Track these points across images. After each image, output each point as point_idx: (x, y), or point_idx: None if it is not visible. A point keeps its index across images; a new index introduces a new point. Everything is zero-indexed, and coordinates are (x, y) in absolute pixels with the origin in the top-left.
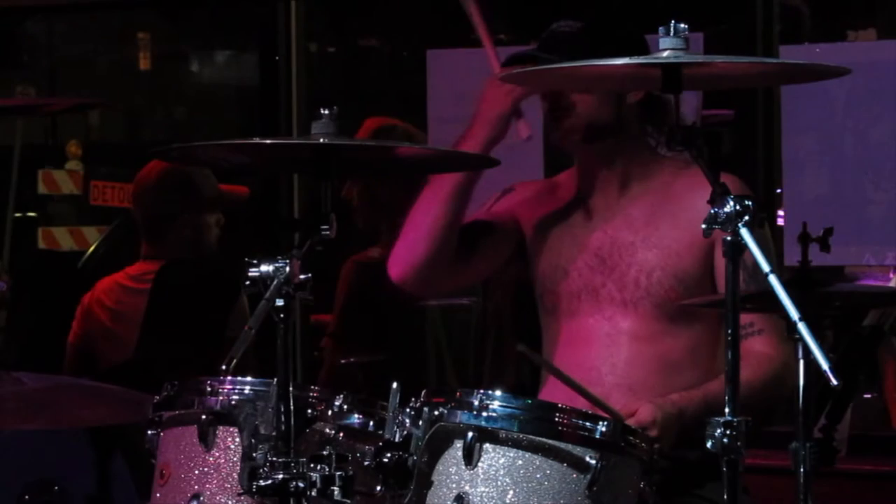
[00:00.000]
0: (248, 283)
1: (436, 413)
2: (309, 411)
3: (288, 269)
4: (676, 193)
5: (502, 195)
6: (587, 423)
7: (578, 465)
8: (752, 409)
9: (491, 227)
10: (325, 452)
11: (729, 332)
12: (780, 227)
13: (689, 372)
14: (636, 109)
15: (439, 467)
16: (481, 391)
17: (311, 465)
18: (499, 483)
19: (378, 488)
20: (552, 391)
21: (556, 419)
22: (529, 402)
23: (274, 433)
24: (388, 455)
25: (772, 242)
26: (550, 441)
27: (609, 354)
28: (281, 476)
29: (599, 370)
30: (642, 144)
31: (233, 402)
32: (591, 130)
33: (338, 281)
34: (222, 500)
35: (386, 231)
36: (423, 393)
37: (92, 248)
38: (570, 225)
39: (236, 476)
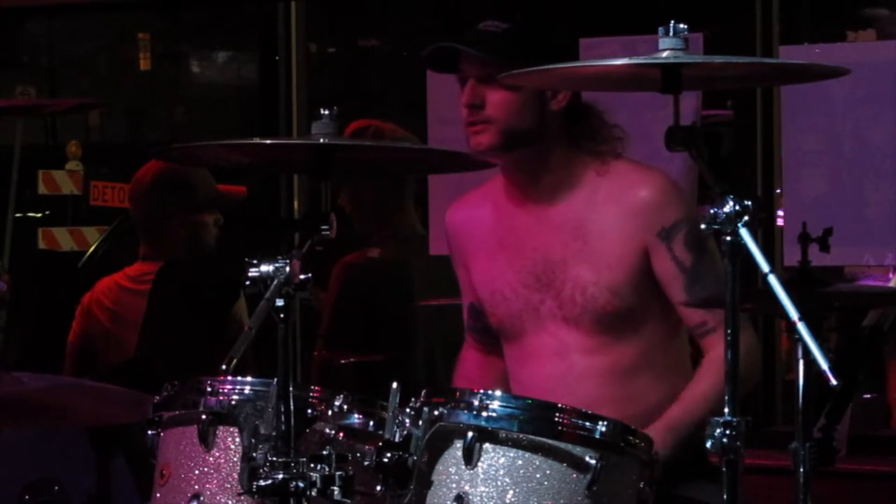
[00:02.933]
0: (248, 283)
1: (436, 413)
2: (309, 411)
3: (288, 269)
4: (600, 202)
5: (448, 243)
6: (587, 423)
7: (578, 465)
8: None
9: (479, 307)
10: (325, 452)
11: (729, 332)
12: (780, 227)
13: (643, 375)
14: (560, 117)
15: (439, 467)
16: (481, 391)
17: (311, 465)
18: (499, 483)
19: (378, 488)
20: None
21: (556, 419)
22: (529, 401)
23: (274, 433)
24: (388, 455)
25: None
26: (550, 441)
27: (561, 373)
28: (281, 476)
29: (554, 391)
30: (566, 151)
31: (233, 402)
32: (509, 139)
33: (328, 283)
34: (222, 500)
35: (378, 232)
36: (422, 393)
37: (92, 249)
38: (502, 245)
39: (236, 476)
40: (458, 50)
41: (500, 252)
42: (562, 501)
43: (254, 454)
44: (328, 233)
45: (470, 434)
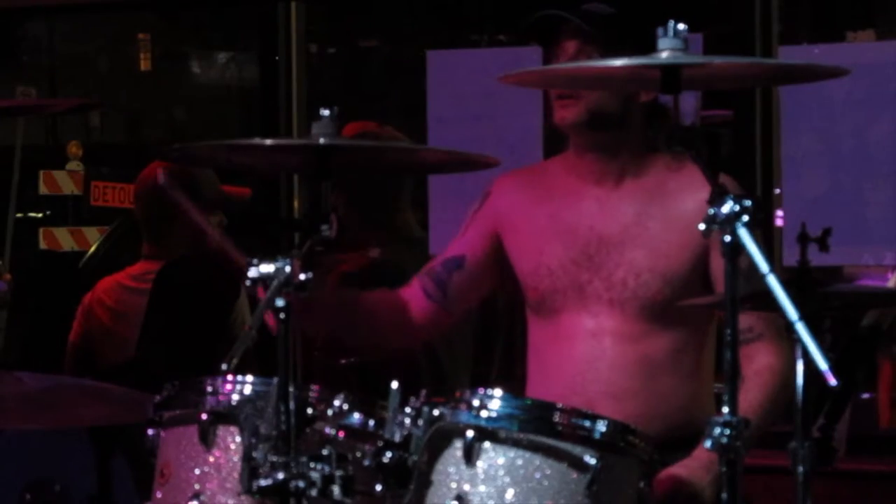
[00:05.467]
0: (248, 283)
1: (435, 413)
2: (309, 411)
3: (288, 269)
4: (669, 192)
5: (482, 203)
6: (586, 423)
7: (578, 464)
8: (770, 424)
9: (462, 263)
10: (325, 452)
11: (728, 332)
12: (779, 227)
13: (672, 375)
14: (643, 109)
15: (439, 467)
16: (481, 391)
17: (311, 465)
18: (498, 483)
19: (378, 488)
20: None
21: (556, 419)
22: (529, 401)
23: (274, 433)
24: (388, 455)
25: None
26: (550, 441)
27: (593, 357)
28: (281, 476)
29: (584, 376)
30: (642, 142)
31: (233, 402)
32: (594, 118)
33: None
34: (222, 500)
35: (376, 234)
36: (422, 393)
37: (93, 249)
38: (555, 219)
39: (236, 476)
40: (562, 21)
41: (550, 226)
42: (561, 501)
43: (254, 454)
44: (328, 233)
45: (470, 434)
